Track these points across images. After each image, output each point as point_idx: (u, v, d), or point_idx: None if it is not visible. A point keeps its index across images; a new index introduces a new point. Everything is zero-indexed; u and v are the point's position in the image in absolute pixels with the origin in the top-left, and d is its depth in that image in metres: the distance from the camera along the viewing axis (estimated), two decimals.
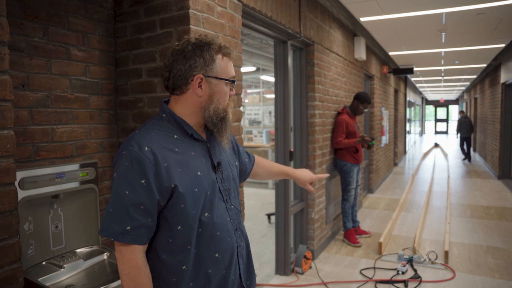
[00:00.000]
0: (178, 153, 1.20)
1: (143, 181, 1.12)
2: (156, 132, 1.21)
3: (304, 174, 1.69)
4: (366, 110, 4.65)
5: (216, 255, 1.24)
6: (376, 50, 7.24)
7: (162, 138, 1.20)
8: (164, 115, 1.27)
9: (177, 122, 1.25)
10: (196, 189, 1.19)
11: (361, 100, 4.54)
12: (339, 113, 4.59)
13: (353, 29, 5.38)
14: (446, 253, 3.97)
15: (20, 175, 1.64)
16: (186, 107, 1.26)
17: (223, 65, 1.25)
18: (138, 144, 1.15)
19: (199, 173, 1.22)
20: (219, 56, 1.25)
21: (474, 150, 14.34)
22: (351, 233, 4.58)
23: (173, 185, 1.15)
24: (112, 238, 1.12)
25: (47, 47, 1.89)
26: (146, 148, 1.14)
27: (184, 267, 1.20)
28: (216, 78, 1.24)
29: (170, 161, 1.17)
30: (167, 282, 1.21)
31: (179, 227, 1.18)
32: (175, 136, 1.23)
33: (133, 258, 1.13)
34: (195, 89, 1.23)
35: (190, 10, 2.03)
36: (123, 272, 1.14)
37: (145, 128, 1.23)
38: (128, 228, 1.12)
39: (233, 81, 1.30)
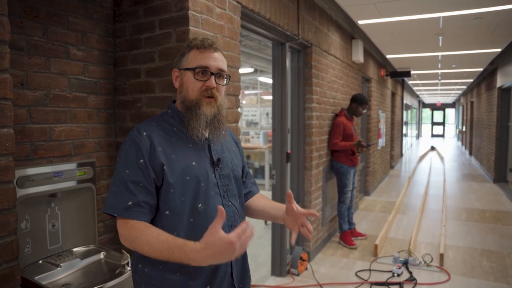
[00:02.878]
0: (174, 142, 1.28)
1: (141, 160, 1.20)
2: (157, 122, 1.32)
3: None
4: (365, 112, 4.67)
5: None
6: (373, 53, 7.27)
7: (161, 128, 1.30)
8: (170, 110, 1.36)
9: (178, 117, 1.33)
10: (188, 177, 1.24)
11: (359, 102, 4.57)
12: (336, 115, 4.61)
13: (351, 32, 5.41)
14: (441, 256, 3.99)
15: (18, 173, 1.65)
16: (177, 102, 1.37)
17: (191, 57, 1.30)
18: (138, 130, 1.26)
19: (193, 163, 1.26)
20: (194, 50, 1.31)
21: (470, 154, 14.41)
22: (347, 235, 4.59)
23: (165, 168, 1.21)
24: (115, 214, 1.17)
25: (46, 46, 1.90)
26: (144, 133, 1.24)
27: None
28: (184, 69, 1.32)
29: (165, 147, 1.25)
30: (154, 268, 1.23)
31: (167, 212, 1.23)
32: (175, 129, 1.31)
33: (134, 230, 1.17)
34: (174, 82, 1.37)
35: (190, 11, 2.04)
36: (127, 243, 1.18)
37: (149, 119, 1.34)
38: (130, 203, 1.17)
39: (194, 69, 1.28)
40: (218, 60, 1.31)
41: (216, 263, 1.09)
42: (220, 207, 1.06)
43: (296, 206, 1.33)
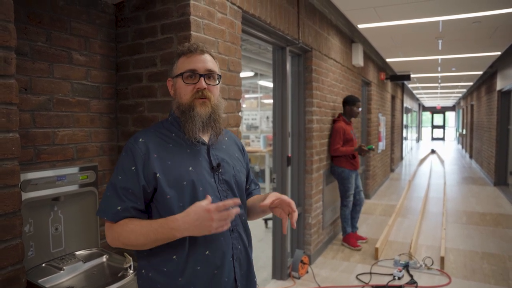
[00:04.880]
0: (171, 148, 1.29)
1: (133, 168, 1.23)
2: (155, 129, 1.35)
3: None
4: (360, 109, 4.70)
5: (207, 252, 1.25)
6: (373, 57, 7.29)
7: (158, 134, 1.32)
8: (170, 117, 1.38)
9: (177, 123, 1.35)
10: (185, 182, 1.25)
11: (351, 102, 4.59)
12: (334, 121, 4.62)
13: (350, 36, 5.43)
14: (442, 259, 3.99)
15: (21, 177, 1.66)
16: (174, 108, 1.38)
17: (180, 63, 1.33)
18: (135, 137, 1.30)
19: (190, 168, 1.27)
20: (182, 57, 1.34)
21: (471, 157, 14.41)
22: (350, 237, 4.61)
23: (157, 175, 1.23)
24: (106, 217, 1.22)
25: (49, 51, 1.92)
26: (140, 140, 1.28)
27: (174, 256, 1.24)
28: (175, 76, 1.35)
29: (161, 153, 1.26)
30: (158, 272, 1.25)
31: None
32: (173, 135, 1.33)
33: (118, 227, 1.23)
34: (169, 91, 1.39)
35: (191, 17, 2.06)
36: (114, 240, 1.24)
37: (150, 126, 1.38)
38: (119, 208, 1.21)
39: (183, 73, 1.30)
40: (205, 61, 1.32)
41: (196, 234, 1.15)
42: (208, 196, 1.15)
43: (276, 198, 1.28)
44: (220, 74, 1.38)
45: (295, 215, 1.27)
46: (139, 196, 1.23)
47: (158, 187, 1.23)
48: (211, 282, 1.26)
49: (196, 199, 1.24)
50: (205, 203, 1.12)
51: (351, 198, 4.62)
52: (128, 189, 1.22)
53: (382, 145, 8.57)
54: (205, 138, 1.35)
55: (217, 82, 1.36)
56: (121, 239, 1.21)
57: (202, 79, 1.30)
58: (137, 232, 1.19)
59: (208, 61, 1.33)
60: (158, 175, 1.23)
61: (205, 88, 1.30)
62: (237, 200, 1.16)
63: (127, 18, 2.29)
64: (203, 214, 1.11)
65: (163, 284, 1.24)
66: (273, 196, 1.29)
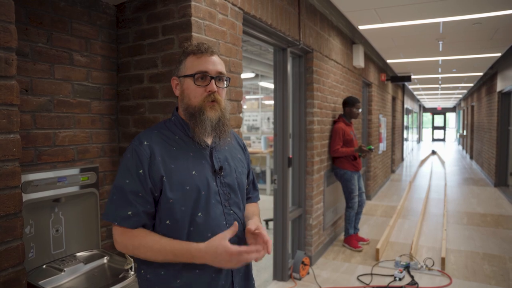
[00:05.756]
0: (175, 151, 1.27)
1: (140, 171, 1.21)
2: (159, 130, 1.32)
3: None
4: (360, 110, 4.70)
5: None
6: (374, 58, 7.29)
7: (162, 136, 1.30)
8: (173, 118, 1.36)
9: (181, 124, 1.33)
10: (188, 187, 1.24)
11: (351, 103, 4.59)
12: (334, 122, 4.63)
13: (351, 37, 5.43)
14: (443, 260, 3.98)
15: (22, 178, 1.65)
16: (180, 109, 1.35)
17: (189, 63, 1.30)
18: (139, 140, 1.27)
19: (193, 172, 1.26)
20: (190, 56, 1.31)
21: (471, 158, 14.40)
22: (352, 238, 4.61)
23: (164, 178, 1.22)
24: (115, 222, 1.20)
25: (50, 52, 1.92)
26: (145, 143, 1.25)
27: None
28: (183, 76, 1.31)
29: (165, 156, 1.25)
30: (156, 274, 1.25)
31: (167, 222, 1.24)
32: (176, 137, 1.31)
33: (135, 239, 1.22)
34: (174, 90, 1.35)
35: (192, 18, 2.06)
36: (127, 250, 1.23)
37: (151, 127, 1.35)
38: (130, 213, 1.20)
39: (194, 75, 1.28)
40: (216, 63, 1.31)
41: (215, 266, 1.18)
42: (236, 223, 1.19)
43: (257, 229, 1.26)
44: (229, 76, 1.37)
45: (261, 254, 1.21)
46: (149, 199, 1.22)
47: (162, 190, 1.22)
48: (208, 285, 1.26)
49: (197, 203, 1.24)
50: (227, 245, 1.14)
51: (356, 199, 4.62)
52: (138, 193, 1.20)
53: (383, 146, 8.57)
54: (208, 141, 1.34)
55: (226, 84, 1.35)
56: (137, 252, 1.20)
57: (213, 81, 1.29)
58: (154, 250, 1.18)
59: (218, 63, 1.32)
60: (164, 178, 1.22)
61: (215, 91, 1.29)
62: (259, 249, 1.20)
63: (128, 19, 2.29)
64: (225, 256, 1.13)
65: (160, 286, 1.25)
66: (257, 224, 1.30)
